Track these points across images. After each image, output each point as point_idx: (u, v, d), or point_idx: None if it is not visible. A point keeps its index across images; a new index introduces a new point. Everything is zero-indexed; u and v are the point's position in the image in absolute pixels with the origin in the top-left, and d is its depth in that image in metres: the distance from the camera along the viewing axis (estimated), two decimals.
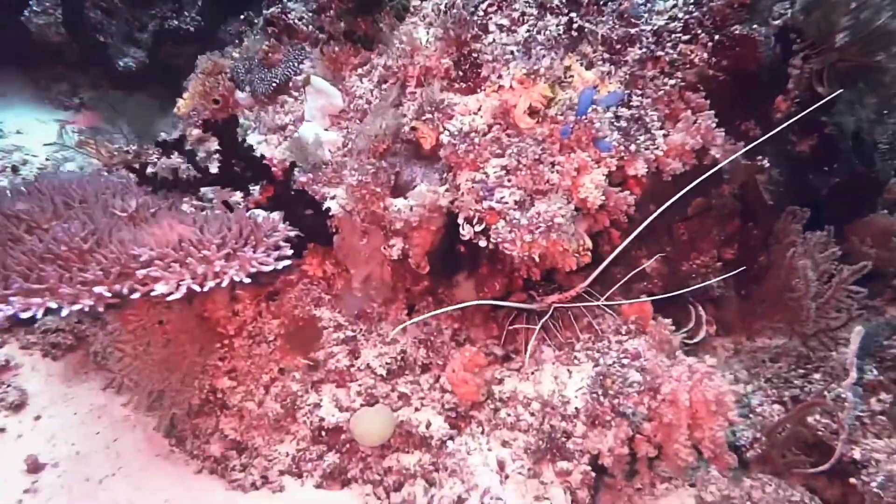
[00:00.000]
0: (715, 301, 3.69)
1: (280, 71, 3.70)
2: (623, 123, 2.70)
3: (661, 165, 2.81)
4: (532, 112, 2.53)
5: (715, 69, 2.86)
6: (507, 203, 2.55)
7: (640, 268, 3.22)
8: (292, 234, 2.42)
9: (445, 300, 3.29)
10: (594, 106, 2.56)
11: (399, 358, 3.08)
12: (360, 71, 3.31)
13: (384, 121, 2.85)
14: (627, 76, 2.84)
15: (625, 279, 3.11)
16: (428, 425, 2.95)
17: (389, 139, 2.97)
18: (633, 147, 2.60)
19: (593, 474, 2.51)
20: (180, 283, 1.98)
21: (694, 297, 3.62)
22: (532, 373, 2.97)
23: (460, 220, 2.65)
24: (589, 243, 2.52)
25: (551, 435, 2.58)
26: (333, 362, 3.05)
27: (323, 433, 2.91)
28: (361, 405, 2.97)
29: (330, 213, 2.97)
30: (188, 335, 2.69)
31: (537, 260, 2.53)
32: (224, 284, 2.01)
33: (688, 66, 2.89)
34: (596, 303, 3.04)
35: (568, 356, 2.94)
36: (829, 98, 3.01)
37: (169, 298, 2.04)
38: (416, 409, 3.02)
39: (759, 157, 3.16)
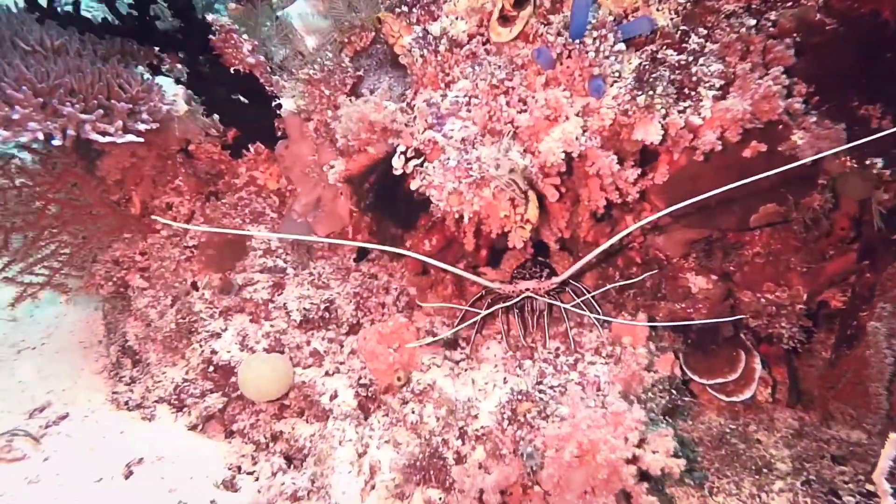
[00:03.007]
0: (790, 356, 3.02)
1: None
2: (661, 72, 2.17)
3: (697, 138, 2.25)
4: (505, 20, 2.11)
5: (826, 14, 2.20)
6: (451, 137, 2.19)
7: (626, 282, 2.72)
8: (166, 108, 2.26)
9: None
10: (602, 31, 2.07)
11: (323, 308, 2.88)
12: None
13: (357, 5, 2.57)
14: (690, 4, 2.29)
15: (599, 290, 2.64)
16: (333, 397, 2.74)
17: (368, 34, 2.70)
18: (642, 99, 2.07)
19: None
20: None
21: (761, 341, 2.98)
22: (465, 370, 2.63)
23: (398, 149, 2.33)
24: (532, 214, 2.08)
25: (436, 452, 2.25)
26: (251, 290, 2.92)
27: (211, 368, 2.82)
28: (265, 350, 2.83)
29: (279, 112, 2.79)
30: (77, 211, 2.69)
31: (466, 219, 2.15)
32: (24, 140, 1.90)
33: (789, 2, 2.25)
34: (566, 305, 2.60)
35: (513, 361, 2.55)
36: None
37: None
38: (328, 374, 2.81)
39: (880, 164, 2.44)
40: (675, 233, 2.84)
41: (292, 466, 2.55)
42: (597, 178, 2.24)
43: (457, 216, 2.18)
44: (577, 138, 2.03)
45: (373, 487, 2.33)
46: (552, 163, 2.00)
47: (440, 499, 2.13)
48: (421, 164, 2.26)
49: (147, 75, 2.51)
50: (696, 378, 2.83)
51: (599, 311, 2.74)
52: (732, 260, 2.90)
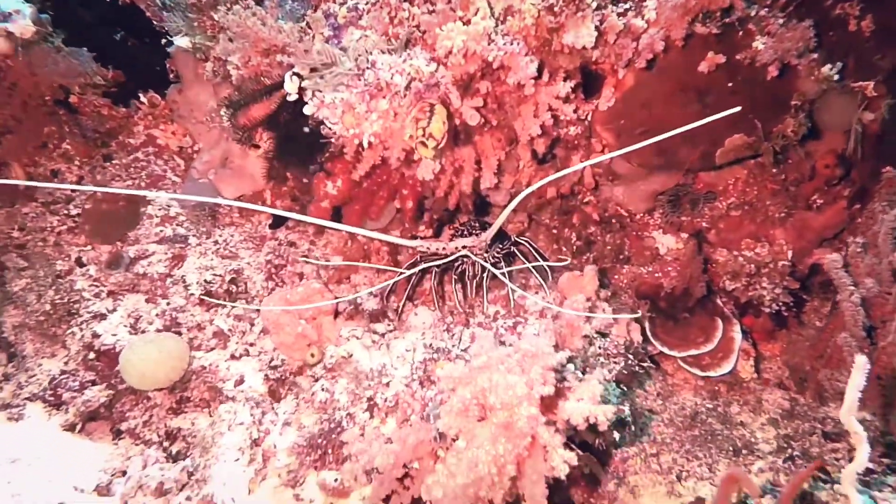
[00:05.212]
0: (776, 324, 2.77)
1: None
2: None
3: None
4: None
5: None
6: (348, 49, 1.97)
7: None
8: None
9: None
10: None
11: (229, 279, 2.62)
12: None
13: None
14: None
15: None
16: (239, 383, 2.47)
17: None
18: None
19: None
20: None
21: (743, 307, 2.72)
22: (389, 341, 2.37)
23: (292, 69, 2.11)
24: (436, 128, 1.84)
25: (338, 426, 1.98)
26: (145, 264, 2.67)
27: (93, 355, 2.53)
28: (158, 331, 2.56)
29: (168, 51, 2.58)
30: None
31: (366, 144, 1.92)
32: None
33: None
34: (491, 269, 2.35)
35: (443, 326, 2.29)
36: None
37: None
38: (234, 357, 2.55)
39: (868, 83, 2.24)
40: (636, 183, 2.62)
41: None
42: (528, 101, 2.02)
43: (356, 143, 1.94)
44: (490, 37, 1.81)
45: (263, 479, 2.05)
46: (448, 48, 1.77)
47: (336, 480, 1.85)
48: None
49: None
50: (665, 350, 2.57)
51: (548, 272, 2.49)
52: (704, 214, 2.67)
